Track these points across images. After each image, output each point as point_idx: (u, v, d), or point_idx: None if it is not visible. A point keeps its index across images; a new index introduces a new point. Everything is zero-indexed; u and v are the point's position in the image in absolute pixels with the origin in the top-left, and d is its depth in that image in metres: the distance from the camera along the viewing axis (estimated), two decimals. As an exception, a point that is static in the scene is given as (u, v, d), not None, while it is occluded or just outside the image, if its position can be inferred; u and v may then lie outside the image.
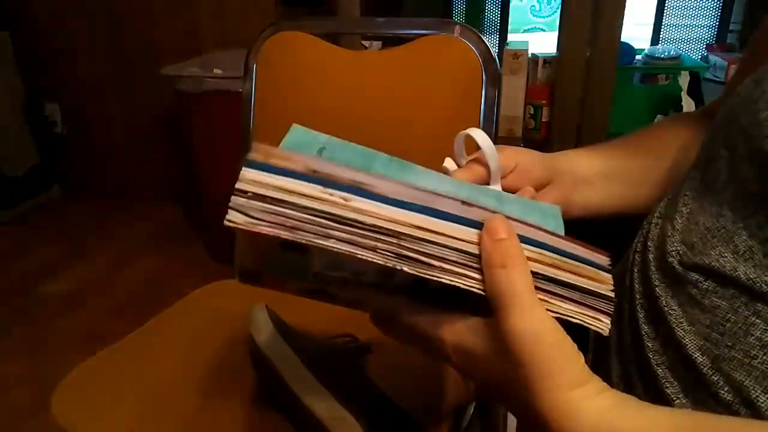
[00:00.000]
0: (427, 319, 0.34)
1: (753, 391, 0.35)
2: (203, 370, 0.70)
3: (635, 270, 0.46)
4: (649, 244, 0.45)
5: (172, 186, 2.40)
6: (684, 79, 1.60)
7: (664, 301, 0.41)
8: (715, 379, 0.37)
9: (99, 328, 1.62)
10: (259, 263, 0.36)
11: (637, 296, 0.44)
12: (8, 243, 2.14)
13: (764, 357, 0.35)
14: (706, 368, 0.37)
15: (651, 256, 0.44)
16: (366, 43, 1.59)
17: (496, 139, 0.84)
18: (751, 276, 0.36)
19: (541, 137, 1.56)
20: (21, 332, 1.63)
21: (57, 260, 2.00)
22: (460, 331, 0.33)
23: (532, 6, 2.08)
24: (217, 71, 1.81)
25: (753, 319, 0.36)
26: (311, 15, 1.94)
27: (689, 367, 0.38)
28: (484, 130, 0.82)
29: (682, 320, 0.39)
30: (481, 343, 0.32)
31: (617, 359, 0.46)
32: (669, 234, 0.42)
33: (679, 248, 0.41)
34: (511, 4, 2.03)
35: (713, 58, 1.89)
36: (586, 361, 0.32)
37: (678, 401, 0.39)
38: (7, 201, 2.28)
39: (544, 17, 2.09)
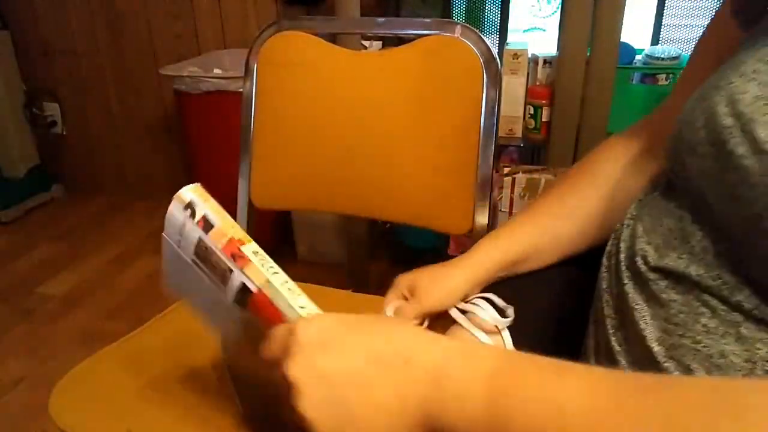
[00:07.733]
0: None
1: (697, 373, 0.37)
2: (202, 370, 0.70)
3: (608, 271, 0.48)
4: (621, 245, 0.47)
5: (172, 186, 2.38)
6: (684, 79, 1.59)
7: (631, 297, 0.43)
8: (668, 365, 0.39)
9: (99, 328, 1.62)
10: None
11: (606, 296, 0.46)
12: (8, 243, 2.14)
13: (708, 341, 0.37)
14: (661, 357, 0.39)
15: (622, 256, 0.46)
16: (366, 43, 1.59)
17: (497, 139, 0.84)
18: (700, 272, 0.38)
19: (541, 137, 1.56)
20: (21, 332, 1.63)
21: (57, 260, 1.99)
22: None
23: (532, 6, 2.08)
24: (217, 71, 1.81)
25: (701, 309, 0.38)
26: (311, 15, 1.94)
27: (651, 359, 0.40)
28: (485, 129, 0.83)
29: (645, 314, 0.41)
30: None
31: (594, 360, 0.48)
32: (639, 235, 0.44)
33: (645, 248, 0.43)
34: (511, 4, 2.02)
35: (713, 58, 1.88)
36: None
37: None
38: (7, 201, 2.27)
39: (544, 17, 2.09)
